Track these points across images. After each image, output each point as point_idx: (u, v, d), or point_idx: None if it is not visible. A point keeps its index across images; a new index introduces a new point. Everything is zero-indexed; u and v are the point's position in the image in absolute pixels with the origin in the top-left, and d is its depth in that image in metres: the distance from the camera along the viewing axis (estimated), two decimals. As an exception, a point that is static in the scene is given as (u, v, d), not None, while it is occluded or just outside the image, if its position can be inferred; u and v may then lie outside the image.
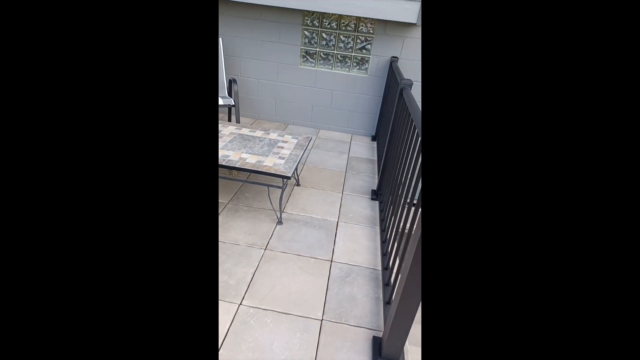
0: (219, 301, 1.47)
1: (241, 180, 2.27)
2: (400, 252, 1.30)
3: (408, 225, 1.23)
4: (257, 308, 1.45)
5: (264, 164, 1.91)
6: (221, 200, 2.16)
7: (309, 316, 1.44)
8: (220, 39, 3.09)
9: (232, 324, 1.37)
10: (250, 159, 1.94)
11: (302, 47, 3.17)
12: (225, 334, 1.33)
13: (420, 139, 1.23)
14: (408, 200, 1.33)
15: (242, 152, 2.01)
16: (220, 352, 1.25)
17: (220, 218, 1.99)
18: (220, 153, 1.96)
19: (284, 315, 1.43)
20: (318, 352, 1.29)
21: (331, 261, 1.76)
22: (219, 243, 1.80)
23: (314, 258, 1.77)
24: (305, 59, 3.23)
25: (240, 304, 1.46)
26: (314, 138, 3.26)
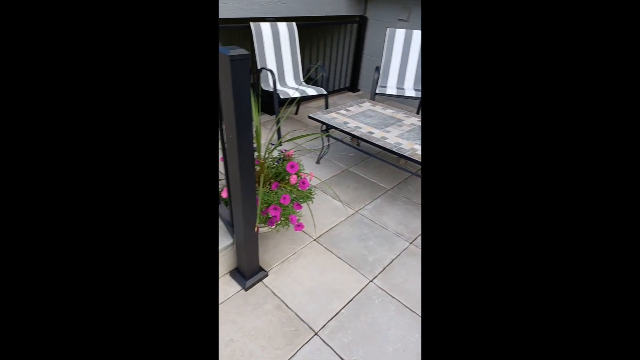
0: (351, 269, 1.57)
1: (409, 172, 2.27)
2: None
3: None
4: (385, 292, 1.47)
5: (434, 158, 1.84)
6: (383, 185, 2.24)
7: (435, 324, 1.34)
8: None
9: (358, 295, 1.44)
10: (421, 151, 1.91)
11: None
12: (349, 300, 1.42)
13: None
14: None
15: (415, 144, 2.00)
16: (341, 312, 1.36)
17: (378, 200, 2.08)
18: (394, 140, 2.02)
19: (409, 310, 1.39)
20: (432, 362, 1.20)
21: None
22: (369, 221, 1.89)
23: (460, 270, 1.60)
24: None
25: (372, 281, 1.52)
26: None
